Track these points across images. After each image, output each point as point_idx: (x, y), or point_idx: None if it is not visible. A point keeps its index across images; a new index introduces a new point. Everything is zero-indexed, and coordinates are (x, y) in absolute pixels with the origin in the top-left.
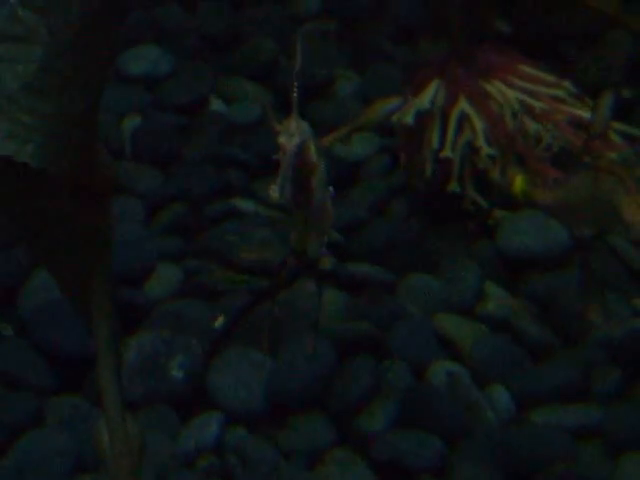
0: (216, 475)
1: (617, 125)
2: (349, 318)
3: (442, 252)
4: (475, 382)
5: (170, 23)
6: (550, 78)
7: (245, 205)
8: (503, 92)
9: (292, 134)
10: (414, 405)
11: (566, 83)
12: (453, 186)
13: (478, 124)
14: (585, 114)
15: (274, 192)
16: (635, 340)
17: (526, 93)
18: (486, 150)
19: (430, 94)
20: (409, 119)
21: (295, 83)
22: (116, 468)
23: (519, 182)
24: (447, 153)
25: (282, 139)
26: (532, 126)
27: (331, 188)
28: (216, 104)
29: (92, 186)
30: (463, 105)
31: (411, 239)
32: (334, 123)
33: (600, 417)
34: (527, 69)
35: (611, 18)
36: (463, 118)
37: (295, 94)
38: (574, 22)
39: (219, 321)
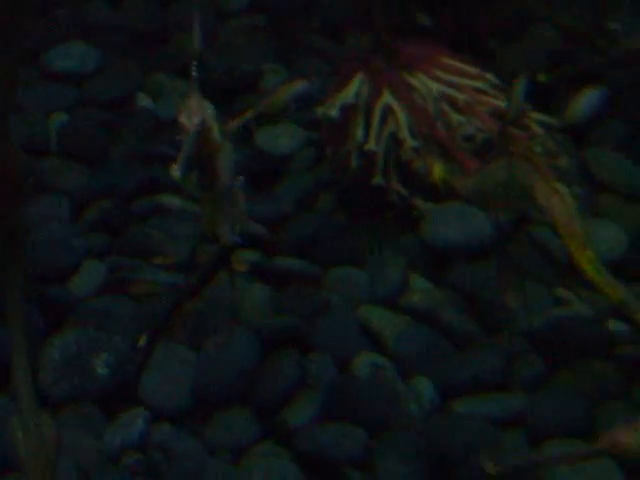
0: (141, 472)
1: (538, 115)
2: (274, 312)
3: (367, 245)
4: (399, 373)
5: (96, 19)
6: (473, 70)
7: (172, 201)
8: (426, 85)
9: (193, 113)
10: (338, 398)
11: (488, 75)
12: (377, 179)
13: (402, 117)
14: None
15: (175, 172)
16: (556, 329)
17: (449, 85)
18: (410, 142)
19: (354, 88)
20: (334, 113)
21: (194, 62)
22: (31, 466)
23: (438, 170)
24: (371, 146)
25: (182, 118)
26: (455, 118)
27: (242, 178)
28: (143, 100)
29: (2, 184)
30: (387, 98)
31: (337, 232)
32: (261, 118)
33: (522, 406)
34: (450, 62)
35: (533, 11)
36: (387, 111)
37: (194, 74)
38: (497, 15)
39: (142, 340)
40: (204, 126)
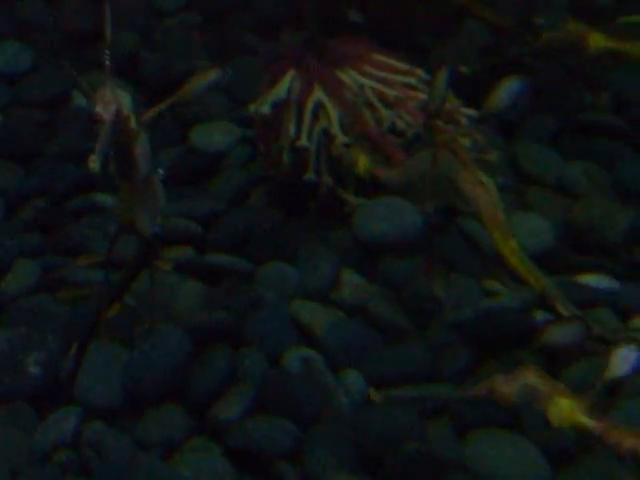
0: (73, 469)
1: (468, 110)
2: (207, 308)
3: (300, 240)
4: (329, 367)
5: (30, 18)
6: (403, 66)
7: (106, 200)
8: (357, 81)
9: (108, 103)
10: (269, 392)
11: (419, 71)
12: (309, 175)
13: (333, 113)
14: None
15: (93, 163)
16: (483, 320)
17: (380, 81)
18: (341, 138)
19: (286, 84)
20: (265, 109)
21: (107, 52)
22: None
23: (363, 162)
24: (303, 142)
25: (98, 108)
26: (386, 113)
27: (161, 170)
28: (78, 99)
29: None
30: (318, 94)
31: (269, 229)
32: (196, 116)
33: (448, 396)
34: (381, 58)
35: (465, 9)
36: (318, 107)
37: (108, 62)
38: (430, 12)
39: (72, 349)
40: (120, 116)
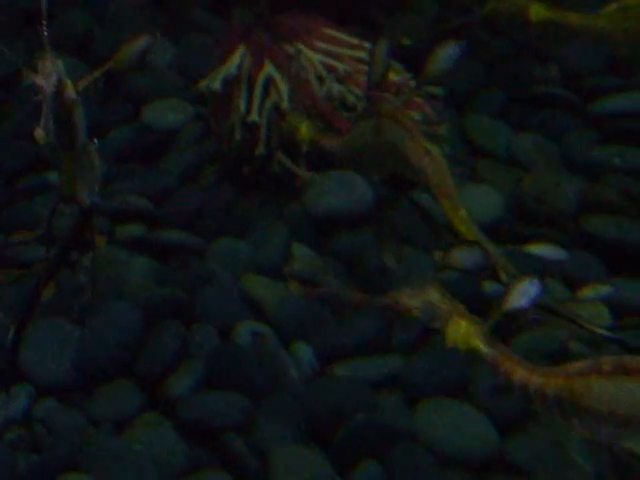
0: (25, 446)
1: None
2: (158, 284)
3: (251, 216)
4: (280, 340)
5: None
6: (353, 40)
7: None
8: (307, 55)
9: (48, 74)
10: (220, 366)
11: (368, 45)
12: (260, 150)
13: (283, 88)
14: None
15: (39, 134)
16: None
17: (330, 56)
18: (291, 113)
19: (236, 60)
20: (217, 86)
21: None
22: None
23: (304, 129)
24: (254, 117)
25: (39, 80)
26: (336, 87)
27: (96, 140)
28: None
29: None
30: (269, 70)
31: (221, 205)
32: (149, 93)
33: (399, 367)
34: (331, 32)
35: None
36: (269, 82)
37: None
38: None
39: (11, 331)
40: (60, 84)
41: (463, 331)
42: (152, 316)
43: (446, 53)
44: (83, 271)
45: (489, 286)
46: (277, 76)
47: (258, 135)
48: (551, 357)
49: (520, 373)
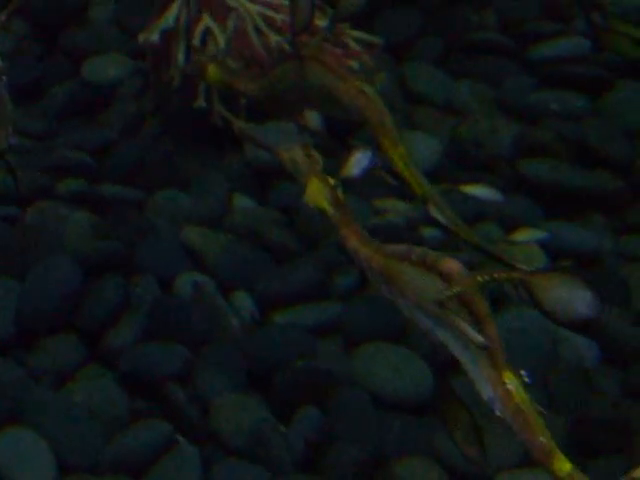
0: None
1: (356, 33)
2: (97, 237)
3: (192, 168)
4: (220, 290)
5: None
6: None
7: None
8: (245, 6)
9: None
10: (161, 317)
11: None
12: (199, 102)
13: (221, 39)
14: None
15: None
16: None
17: (267, 6)
18: (230, 64)
19: (174, 12)
20: (154, 38)
21: None
22: None
23: (212, 71)
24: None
25: None
26: (274, 38)
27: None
28: None
29: None
30: (206, 21)
31: (162, 158)
32: (89, 49)
33: (339, 313)
34: None
35: None
36: (207, 34)
37: None
38: None
39: None
40: None
41: (315, 192)
42: (92, 269)
43: None
44: (23, 226)
45: (427, 231)
46: (215, 28)
47: (197, 87)
48: (489, 300)
49: (354, 242)
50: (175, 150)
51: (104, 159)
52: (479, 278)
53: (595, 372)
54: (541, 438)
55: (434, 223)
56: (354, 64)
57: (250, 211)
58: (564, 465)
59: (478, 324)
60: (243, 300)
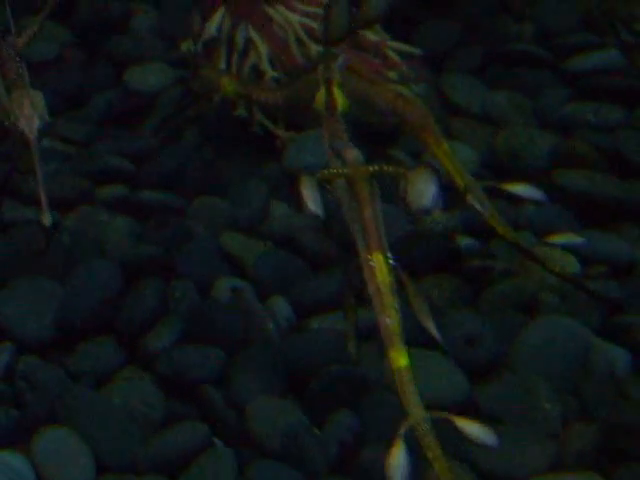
0: (6, 401)
1: (394, 44)
2: (137, 243)
3: (231, 176)
4: (258, 295)
5: None
6: None
7: None
8: (286, 16)
9: (30, 117)
10: (198, 321)
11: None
12: (240, 111)
13: (262, 49)
14: (368, 36)
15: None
16: (407, 245)
17: (307, 16)
18: (270, 73)
19: (216, 21)
20: (197, 48)
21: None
22: None
23: (226, 83)
24: None
25: (21, 126)
26: (313, 47)
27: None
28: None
29: None
30: (247, 30)
31: (201, 165)
32: (131, 57)
33: (374, 320)
34: None
35: None
36: (248, 44)
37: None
38: None
39: None
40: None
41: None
42: (132, 274)
43: None
44: (64, 231)
45: (463, 240)
46: (256, 37)
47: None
48: (521, 308)
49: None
50: (215, 157)
51: (145, 166)
52: (370, 168)
53: (626, 380)
54: (388, 319)
55: (470, 232)
56: (393, 74)
57: (288, 218)
58: (401, 359)
59: (359, 205)
60: (280, 305)
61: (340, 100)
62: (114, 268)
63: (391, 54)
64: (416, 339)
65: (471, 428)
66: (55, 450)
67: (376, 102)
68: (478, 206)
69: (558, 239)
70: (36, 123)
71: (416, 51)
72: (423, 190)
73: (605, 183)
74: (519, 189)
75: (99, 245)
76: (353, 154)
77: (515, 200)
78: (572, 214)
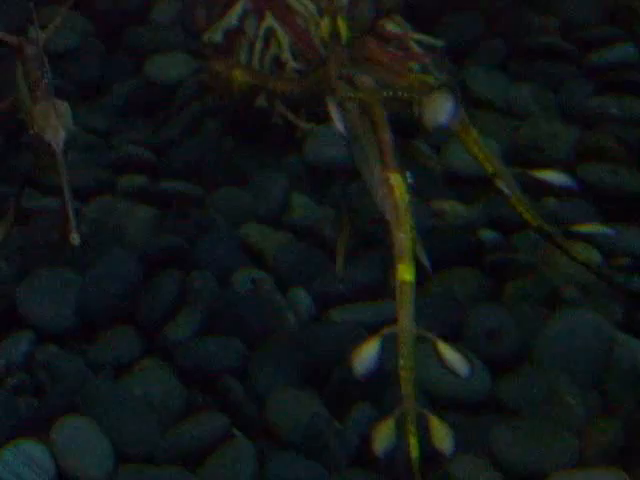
0: (26, 391)
1: (417, 35)
2: (157, 233)
3: (252, 166)
4: (278, 287)
5: None
6: None
7: None
8: (307, 6)
9: (56, 128)
10: (218, 311)
11: None
12: (261, 102)
13: (284, 39)
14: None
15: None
16: (429, 239)
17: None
18: (292, 64)
19: (237, 12)
20: (218, 37)
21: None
22: None
23: (239, 75)
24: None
25: (48, 137)
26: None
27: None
28: (34, 33)
29: None
30: (269, 21)
31: (222, 156)
32: (152, 48)
33: (394, 312)
34: None
35: None
36: (270, 34)
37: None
38: None
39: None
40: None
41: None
42: (152, 264)
43: None
44: (84, 220)
45: (485, 233)
46: (278, 28)
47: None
48: (544, 302)
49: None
50: (235, 148)
51: (165, 156)
52: (384, 93)
53: None
54: (402, 235)
55: (492, 225)
56: (415, 66)
57: (308, 209)
58: (407, 274)
59: (376, 128)
60: (300, 297)
61: (343, 31)
62: (134, 258)
63: (413, 45)
64: (438, 334)
65: (451, 355)
66: (75, 440)
67: (399, 92)
68: (506, 190)
69: (584, 229)
70: (62, 135)
71: (439, 43)
72: (439, 109)
73: (629, 177)
74: (549, 176)
75: (119, 235)
76: (365, 80)
77: (539, 193)
78: (596, 208)
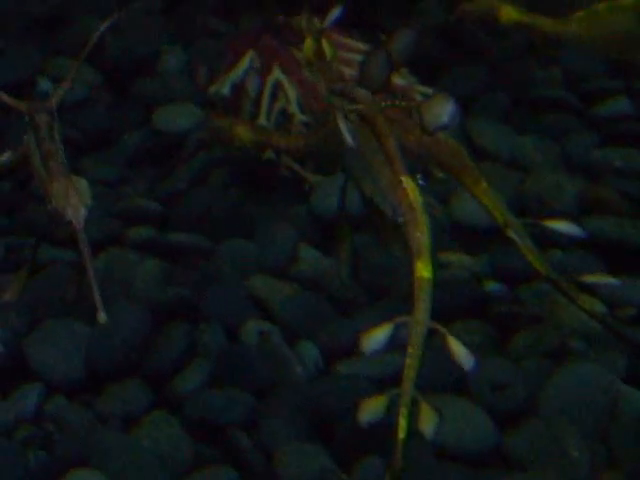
0: (35, 444)
1: (422, 88)
2: (165, 285)
3: (259, 218)
4: (286, 339)
5: None
6: (361, 46)
7: None
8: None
9: (76, 206)
10: (226, 364)
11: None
12: (268, 154)
13: (291, 92)
14: (396, 80)
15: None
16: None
17: (339, 61)
18: (299, 117)
19: (245, 65)
20: (225, 91)
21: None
22: None
23: (242, 131)
24: (261, 121)
25: (69, 215)
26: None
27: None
28: (43, 84)
29: None
30: (277, 74)
31: (229, 207)
32: (159, 98)
33: (402, 365)
34: (340, 38)
35: None
36: (277, 87)
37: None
38: None
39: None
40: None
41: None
42: (160, 316)
43: (402, 39)
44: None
45: (491, 285)
46: (285, 81)
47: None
48: (549, 354)
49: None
50: (242, 199)
51: (173, 207)
52: (382, 103)
53: None
54: (419, 234)
55: (497, 277)
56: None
57: (315, 261)
58: (425, 271)
59: (380, 137)
60: (308, 349)
61: (328, 49)
62: (142, 310)
63: (418, 98)
64: (444, 386)
65: (458, 348)
66: None
67: (410, 146)
68: (517, 239)
69: (589, 279)
70: (83, 213)
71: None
72: (439, 111)
73: (633, 230)
74: (559, 226)
75: (127, 287)
76: (362, 92)
77: (545, 244)
78: (600, 260)
